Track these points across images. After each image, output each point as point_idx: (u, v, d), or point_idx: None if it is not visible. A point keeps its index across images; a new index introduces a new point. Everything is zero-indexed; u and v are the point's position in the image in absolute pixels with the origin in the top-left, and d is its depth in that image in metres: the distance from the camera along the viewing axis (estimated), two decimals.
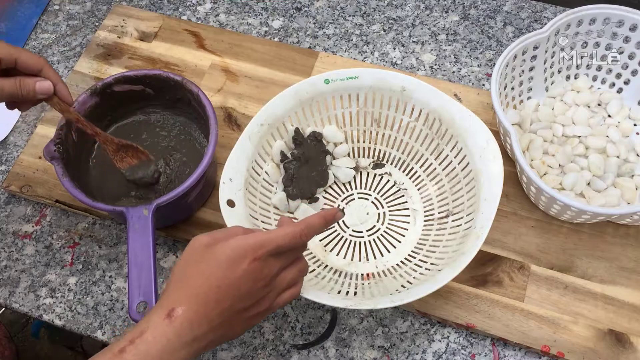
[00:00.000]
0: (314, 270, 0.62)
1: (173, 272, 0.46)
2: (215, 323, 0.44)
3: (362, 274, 0.63)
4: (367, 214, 0.67)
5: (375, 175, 0.70)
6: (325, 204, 0.68)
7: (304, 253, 0.57)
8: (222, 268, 0.44)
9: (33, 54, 0.55)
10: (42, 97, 0.56)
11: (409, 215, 0.67)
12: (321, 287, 0.59)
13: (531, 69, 0.70)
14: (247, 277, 0.45)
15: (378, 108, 0.66)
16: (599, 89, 0.73)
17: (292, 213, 0.66)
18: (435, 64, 0.78)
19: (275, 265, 0.46)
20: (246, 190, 0.60)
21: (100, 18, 0.84)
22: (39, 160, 0.72)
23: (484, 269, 0.64)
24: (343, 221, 0.67)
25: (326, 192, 0.69)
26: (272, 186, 0.66)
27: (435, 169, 0.66)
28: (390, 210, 0.67)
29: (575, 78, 0.73)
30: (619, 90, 0.72)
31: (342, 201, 0.68)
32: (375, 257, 0.64)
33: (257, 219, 0.60)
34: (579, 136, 0.69)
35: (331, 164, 0.69)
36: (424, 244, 0.64)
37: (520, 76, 0.69)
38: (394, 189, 0.68)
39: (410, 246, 0.64)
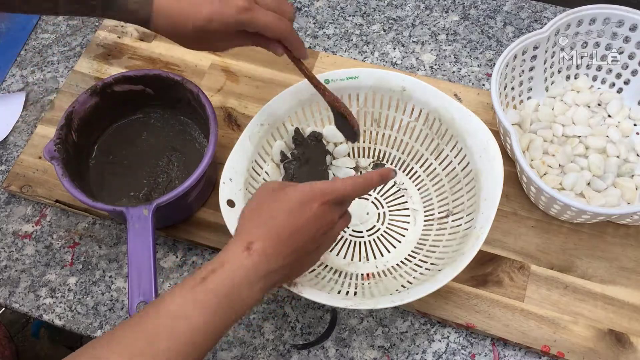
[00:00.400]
0: (314, 270, 0.62)
1: (243, 213, 0.49)
2: (286, 260, 0.47)
3: (362, 274, 0.63)
4: (367, 214, 0.67)
5: None
6: None
7: None
8: (294, 209, 0.47)
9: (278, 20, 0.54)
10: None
11: (409, 215, 0.67)
12: (321, 287, 0.59)
13: (531, 69, 0.70)
14: (315, 220, 0.48)
15: (378, 108, 0.66)
16: (599, 89, 0.73)
17: None
18: (435, 64, 0.78)
19: (336, 213, 0.50)
20: (246, 190, 0.60)
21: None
22: (39, 160, 0.72)
23: (484, 269, 0.64)
24: None
25: None
26: None
27: (435, 169, 0.66)
28: (390, 210, 0.67)
29: (575, 78, 0.73)
30: (619, 90, 0.72)
31: None
32: (375, 257, 0.64)
33: None
34: (579, 136, 0.69)
35: (331, 164, 0.69)
36: (424, 244, 0.64)
37: (520, 76, 0.69)
38: (394, 189, 0.68)
39: (410, 246, 0.64)
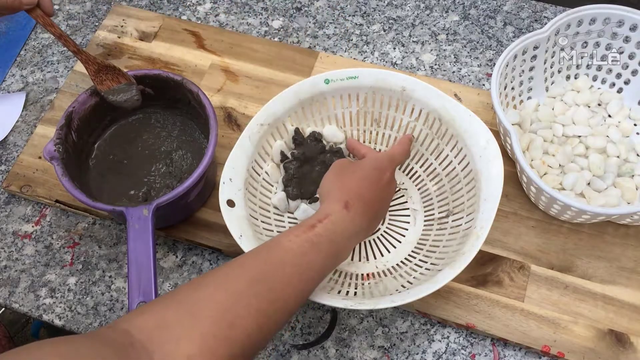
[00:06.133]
0: None
1: (324, 183, 0.56)
2: (370, 222, 0.54)
3: (362, 274, 0.63)
4: None
5: None
6: None
7: None
8: (373, 175, 0.55)
9: None
10: (26, 7, 0.58)
11: (409, 215, 0.67)
12: (321, 287, 0.58)
13: (531, 69, 0.70)
14: (388, 186, 0.56)
15: (378, 108, 0.66)
16: (599, 89, 0.73)
17: (292, 213, 0.66)
18: (435, 64, 0.78)
19: (395, 179, 0.59)
20: (246, 190, 0.60)
21: (100, 18, 0.84)
22: (39, 160, 0.72)
23: (484, 269, 0.64)
24: None
25: None
26: (272, 186, 0.66)
27: (435, 169, 0.66)
28: (390, 210, 0.67)
29: (575, 78, 0.73)
30: (619, 90, 0.72)
31: None
32: (375, 257, 0.64)
33: (257, 219, 0.60)
34: (579, 136, 0.69)
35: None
36: (424, 244, 0.64)
37: (520, 76, 0.69)
38: None
39: (411, 246, 0.64)
